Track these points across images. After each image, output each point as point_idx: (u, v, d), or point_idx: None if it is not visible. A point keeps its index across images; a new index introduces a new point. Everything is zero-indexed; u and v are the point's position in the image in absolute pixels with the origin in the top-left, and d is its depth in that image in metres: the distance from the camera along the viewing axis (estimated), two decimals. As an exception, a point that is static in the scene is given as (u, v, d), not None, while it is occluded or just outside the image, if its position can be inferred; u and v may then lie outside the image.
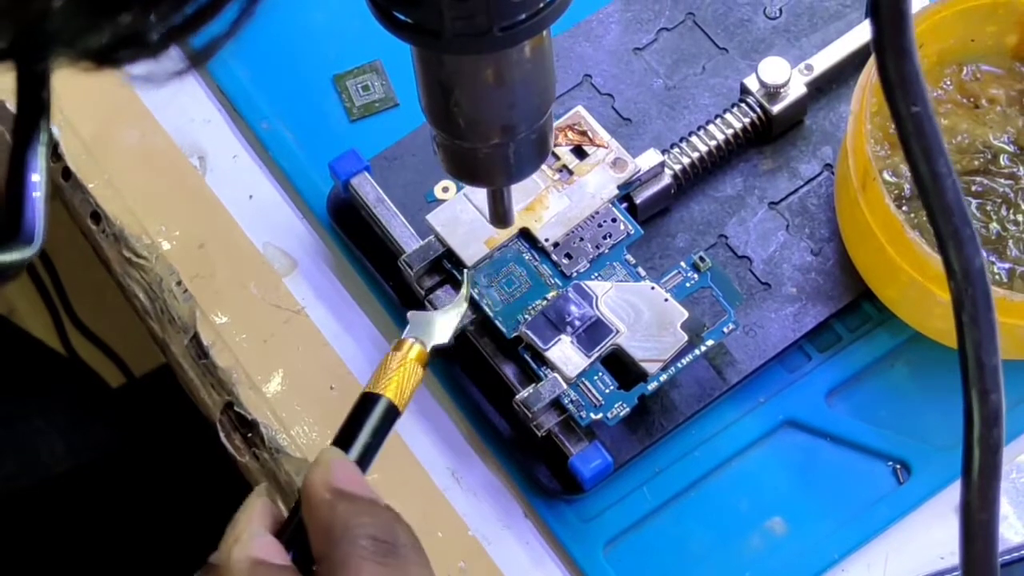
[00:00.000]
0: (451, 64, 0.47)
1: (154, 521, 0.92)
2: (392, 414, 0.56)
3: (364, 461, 0.55)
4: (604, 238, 0.65)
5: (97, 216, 0.72)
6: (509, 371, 0.64)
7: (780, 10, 0.73)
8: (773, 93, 0.68)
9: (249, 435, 0.67)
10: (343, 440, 0.55)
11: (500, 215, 0.58)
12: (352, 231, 0.69)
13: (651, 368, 0.62)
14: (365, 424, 0.55)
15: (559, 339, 0.62)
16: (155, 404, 1.00)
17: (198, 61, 0.32)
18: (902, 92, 0.39)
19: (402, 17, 0.43)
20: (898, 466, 0.65)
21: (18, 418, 0.89)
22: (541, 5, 0.44)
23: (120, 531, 0.91)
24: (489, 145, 0.51)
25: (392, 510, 0.51)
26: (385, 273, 0.68)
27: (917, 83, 0.39)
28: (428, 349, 0.60)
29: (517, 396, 0.62)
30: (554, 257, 0.65)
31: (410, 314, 0.61)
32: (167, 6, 0.30)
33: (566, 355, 0.62)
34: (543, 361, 0.62)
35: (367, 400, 0.56)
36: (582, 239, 0.65)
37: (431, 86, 0.49)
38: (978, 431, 0.44)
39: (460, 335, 0.64)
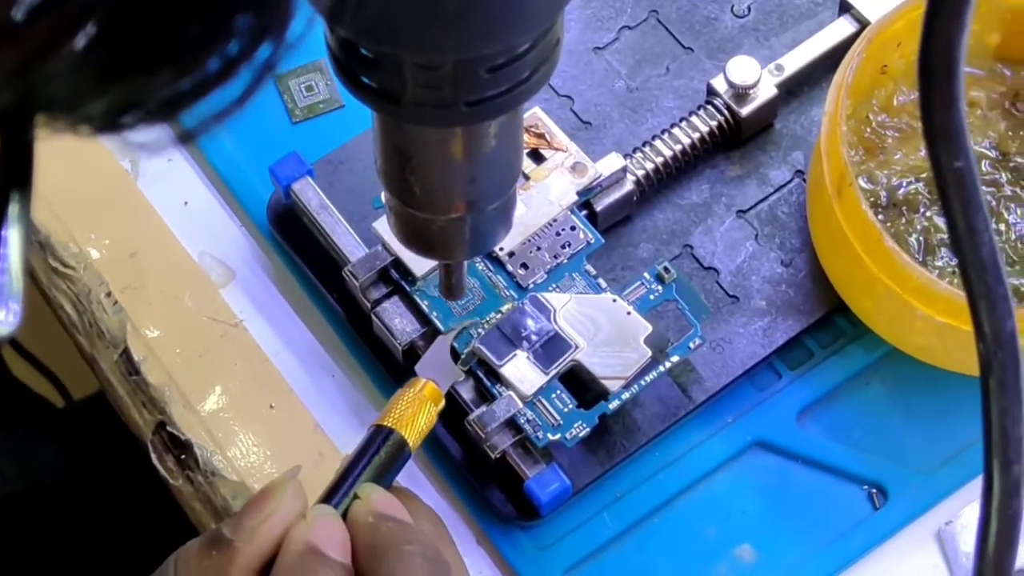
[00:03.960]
0: (410, 131, 0.44)
1: (103, 544, 0.92)
2: (402, 451, 0.55)
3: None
4: (563, 247, 0.64)
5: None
6: (461, 389, 0.62)
7: (748, 8, 0.72)
8: (741, 95, 0.67)
9: (183, 457, 0.66)
10: (348, 471, 0.54)
11: (451, 288, 0.55)
12: (294, 239, 0.67)
13: (612, 386, 0.61)
14: (373, 460, 0.55)
15: (514, 355, 0.61)
16: (98, 424, 0.99)
17: (201, 131, 0.30)
18: (945, 143, 0.39)
19: (363, 78, 0.40)
20: (874, 490, 0.63)
21: None
22: (515, 82, 0.40)
23: (71, 554, 0.91)
24: (445, 218, 0.48)
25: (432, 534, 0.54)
26: (329, 284, 0.66)
27: (962, 135, 0.39)
28: (444, 390, 0.58)
29: (469, 415, 0.61)
30: (509, 267, 0.64)
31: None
32: (178, 71, 0.28)
33: (522, 372, 0.61)
34: (497, 378, 0.61)
35: (377, 434, 0.55)
36: (539, 248, 0.64)
37: (387, 149, 0.46)
38: (997, 502, 0.44)
39: (408, 350, 0.63)
